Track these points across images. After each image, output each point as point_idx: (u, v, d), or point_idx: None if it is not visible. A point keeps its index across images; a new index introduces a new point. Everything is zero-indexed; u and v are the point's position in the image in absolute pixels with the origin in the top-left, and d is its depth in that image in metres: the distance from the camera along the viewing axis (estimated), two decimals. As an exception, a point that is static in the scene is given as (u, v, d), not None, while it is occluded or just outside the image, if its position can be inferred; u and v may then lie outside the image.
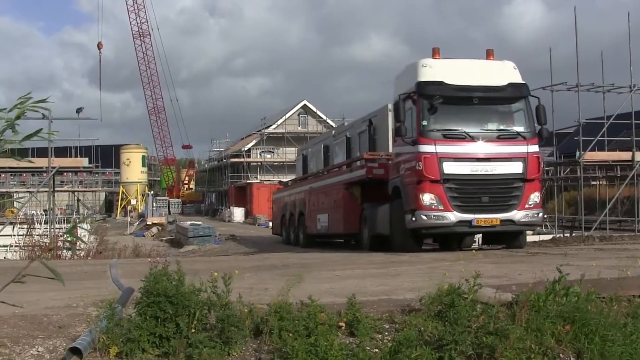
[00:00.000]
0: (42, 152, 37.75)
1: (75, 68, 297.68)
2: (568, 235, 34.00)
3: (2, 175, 74.83)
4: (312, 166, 35.11)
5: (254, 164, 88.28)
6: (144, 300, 8.10)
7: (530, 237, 30.57)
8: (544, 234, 35.43)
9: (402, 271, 14.89)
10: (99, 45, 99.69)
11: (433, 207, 19.63)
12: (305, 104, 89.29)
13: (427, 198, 19.62)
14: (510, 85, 20.81)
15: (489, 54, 21.61)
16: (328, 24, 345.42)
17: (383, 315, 9.10)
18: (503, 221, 19.98)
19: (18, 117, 4.46)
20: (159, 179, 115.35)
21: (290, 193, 36.31)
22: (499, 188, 20.08)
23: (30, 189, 64.42)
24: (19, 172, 69.71)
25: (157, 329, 7.88)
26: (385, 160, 24.31)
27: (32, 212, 45.34)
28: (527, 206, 20.16)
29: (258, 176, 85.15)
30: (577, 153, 35.88)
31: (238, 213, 77.84)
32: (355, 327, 8.52)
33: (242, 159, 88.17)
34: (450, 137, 19.99)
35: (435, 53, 21.02)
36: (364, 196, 25.57)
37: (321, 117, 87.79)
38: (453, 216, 19.71)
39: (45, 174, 37.84)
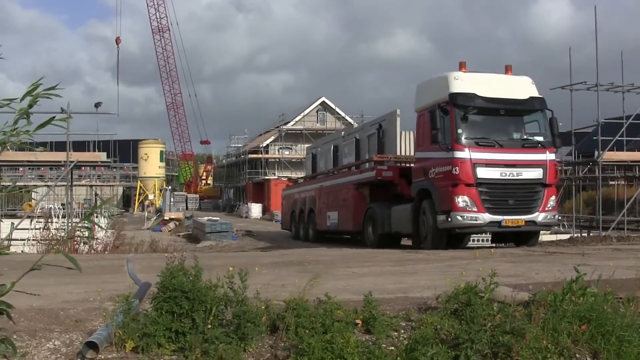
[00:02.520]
0: (60, 146, 37.85)
1: (100, 62, 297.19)
2: (586, 235, 33.86)
3: (20, 169, 74.96)
4: (322, 165, 36.31)
5: (272, 160, 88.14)
6: (161, 295, 8.12)
7: (548, 237, 30.53)
8: (562, 233, 35.30)
9: (419, 269, 14.91)
10: (117, 40, 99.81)
11: (467, 208, 21.13)
12: (323, 101, 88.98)
13: (461, 200, 21.13)
14: (532, 98, 22.54)
15: (507, 69, 23.26)
16: (354, 21, 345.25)
17: (399, 313, 9.10)
18: (527, 222, 21.64)
19: (31, 106, 4.40)
20: (176, 174, 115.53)
21: (300, 190, 37.63)
22: (524, 192, 21.84)
23: (49, 183, 64.55)
24: (37, 166, 69.83)
25: (173, 324, 7.89)
26: (393, 162, 26.28)
27: (50, 206, 45.52)
28: (547, 209, 21.84)
29: (276, 172, 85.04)
30: (596, 153, 35.65)
31: (255, 209, 77.86)
32: (372, 324, 8.52)
33: (260, 155, 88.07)
34: (482, 144, 21.61)
35: (462, 66, 22.75)
36: (372, 195, 27.28)
37: (339, 114, 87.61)
38: (486, 217, 21.24)
39: (63, 168, 37.87)
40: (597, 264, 12.46)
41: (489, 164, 21.35)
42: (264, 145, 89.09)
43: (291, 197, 38.90)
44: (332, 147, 34.47)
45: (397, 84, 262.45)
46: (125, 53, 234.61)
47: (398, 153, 26.97)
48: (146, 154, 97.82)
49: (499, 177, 21.40)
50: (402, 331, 8.72)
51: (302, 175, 45.81)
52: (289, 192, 40.27)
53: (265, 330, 8.32)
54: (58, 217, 38.36)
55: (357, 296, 9.43)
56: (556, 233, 34.30)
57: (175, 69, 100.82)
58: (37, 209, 42.43)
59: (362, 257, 19.26)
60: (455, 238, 23.36)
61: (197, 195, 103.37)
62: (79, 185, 77.02)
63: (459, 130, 21.41)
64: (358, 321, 8.58)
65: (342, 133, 35.30)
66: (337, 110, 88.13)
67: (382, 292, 10.13)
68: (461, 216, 21.14)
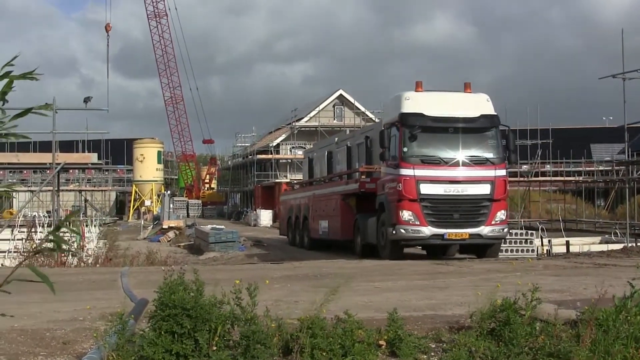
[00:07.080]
0: (45, 147, 37.87)
1: (99, 51, 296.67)
2: (641, 244, 33.71)
3: (0, 172, 75.12)
4: (317, 170, 39.95)
5: (283, 161, 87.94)
6: (159, 314, 8.11)
7: (598, 247, 30.53)
8: (614, 242, 35.19)
9: (450, 283, 14.91)
10: (107, 28, 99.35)
11: (410, 222, 24.51)
12: (341, 94, 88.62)
13: (405, 214, 24.52)
14: (483, 116, 25.73)
15: (466, 87, 26.70)
16: (387, 2, 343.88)
17: (429, 333, 9.09)
18: (472, 235, 24.75)
19: (5, 93, 4.36)
20: (176, 177, 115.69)
21: (295, 196, 41.38)
22: (469, 207, 24.95)
23: (32, 188, 64.74)
24: (19, 169, 69.97)
25: (173, 346, 7.88)
26: (379, 174, 28.53)
27: (34, 213, 45.63)
28: (493, 222, 24.96)
29: (288, 174, 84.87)
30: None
31: (265, 216, 77.74)
32: (397, 346, 8.51)
33: (270, 156, 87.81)
34: (427, 162, 24.94)
35: (418, 86, 26.01)
36: (359, 206, 30.43)
37: (359, 109, 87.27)
38: (428, 230, 24.53)
39: (48, 171, 38.03)
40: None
41: (433, 180, 24.66)
42: (274, 144, 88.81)
43: (288, 202, 42.89)
44: (326, 153, 37.85)
45: (433, 75, 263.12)
46: (127, 41, 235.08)
47: None
48: (142, 154, 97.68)
49: (442, 193, 24.70)
50: (432, 353, 8.71)
51: (296, 181, 51.33)
52: (286, 198, 44.41)
53: (277, 352, 8.31)
54: (43, 226, 38.44)
55: (380, 314, 9.42)
56: (607, 242, 34.24)
57: (174, 59, 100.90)
58: (18, 217, 42.53)
59: (386, 270, 19.34)
60: (441, 248, 26.11)
61: (200, 201, 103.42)
62: (67, 190, 77.30)
63: (405, 149, 24.80)
64: (382, 342, 8.58)
65: (336, 139, 37.98)
66: (357, 104, 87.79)
67: (408, 309, 10.12)
68: (404, 229, 24.50)
